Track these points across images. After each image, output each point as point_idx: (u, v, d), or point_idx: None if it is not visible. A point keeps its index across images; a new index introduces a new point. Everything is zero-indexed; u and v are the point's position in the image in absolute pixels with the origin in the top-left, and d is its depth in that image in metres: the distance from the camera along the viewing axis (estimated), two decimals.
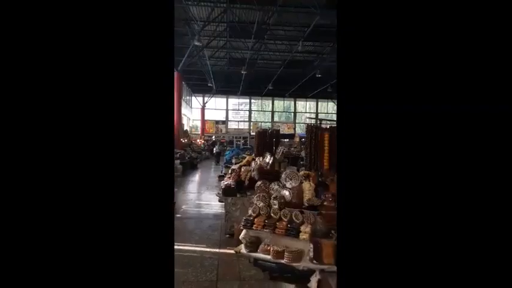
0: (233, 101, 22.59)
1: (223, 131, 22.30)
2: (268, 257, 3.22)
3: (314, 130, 4.32)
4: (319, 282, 2.79)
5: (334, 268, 2.89)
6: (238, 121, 22.47)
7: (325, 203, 3.56)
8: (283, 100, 22.42)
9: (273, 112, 22.74)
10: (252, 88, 19.26)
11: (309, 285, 2.89)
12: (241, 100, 22.28)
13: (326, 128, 4.53)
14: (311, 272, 2.96)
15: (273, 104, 22.61)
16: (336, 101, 21.21)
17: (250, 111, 22.60)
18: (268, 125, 20.81)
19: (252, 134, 17.12)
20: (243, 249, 3.43)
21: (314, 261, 3.00)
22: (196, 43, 10.61)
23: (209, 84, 17.67)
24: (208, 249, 4.21)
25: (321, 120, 5.19)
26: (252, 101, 22.44)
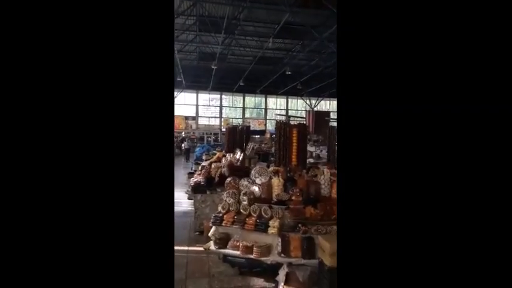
0: (203, 97, 22.20)
1: (194, 127, 21.89)
2: (238, 252, 3.25)
3: (283, 127, 4.40)
4: (287, 274, 2.87)
5: (302, 261, 2.99)
6: (209, 117, 22.16)
7: (293, 198, 3.66)
8: (254, 96, 22.49)
9: (244, 108, 22.73)
10: (222, 84, 19.07)
11: (277, 278, 2.96)
12: (212, 96, 21.98)
13: (295, 124, 4.63)
14: (279, 265, 3.03)
15: (244, 100, 22.59)
16: (305, 98, 21.76)
17: (221, 107, 22.39)
18: (240, 121, 20.79)
19: (223, 130, 17.00)
20: (212, 246, 3.42)
21: (282, 255, 3.08)
22: None
23: (178, 79, 17.21)
24: (177, 247, 4.14)
25: (289, 116, 5.29)
26: (223, 96, 22.24)
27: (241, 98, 22.60)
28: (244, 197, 3.67)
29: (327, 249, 2.64)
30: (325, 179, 3.90)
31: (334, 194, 3.78)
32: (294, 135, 4.27)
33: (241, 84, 17.53)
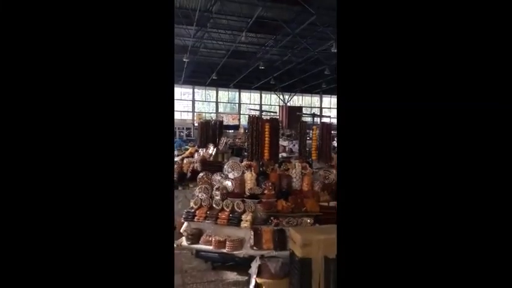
0: (175, 90, 21.65)
1: None
2: (210, 247, 3.25)
3: (256, 121, 4.42)
4: (259, 267, 2.92)
5: (273, 253, 3.06)
6: (181, 111, 21.65)
7: (265, 192, 3.71)
8: (228, 91, 22.30)
9: (217, 103, 22.46)
10: (195, 77, 18.67)
11: (249, 271, 3.01)
12: (184, 89, 21.46)
13: (267, 119, 4.66)
14: (252, 258, 3.07)
15: (217, 94, 22.31)
16: (278, 93, 21.95)
17: (193, 101, 21.97)
18: (213, 115, 20.54)
19: (195, 125, 16.74)
20: (184, 242, 3.39)
21: (254, 248, 3.12)
22: None
23: None
24: None
25: (262, 111, 5.32)
26: (196, 90, 21.81)
27: (215, 92, 22.28)
28: (217, 192, 3.66)
29: (297, 241, 2.72)
30: (297, 173, 3.99)
31: (304, 187, 3.88)
32: (267, 129, 4.31)
33: (214, 78, 17.30)
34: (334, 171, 4.31)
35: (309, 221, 3.31)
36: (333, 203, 3.74)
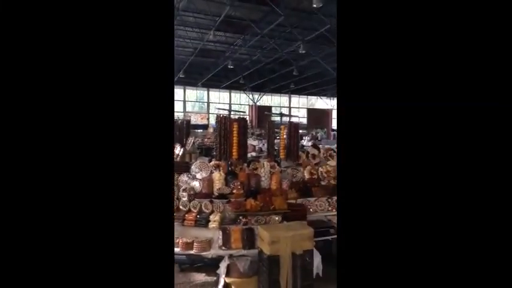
0: None
1: None
2: (177, 249, 3.17)
3: (224, 121, 4.39)
4: (228, 266, 2.91)
5: (242, 252, 3.06)
6: None
7: (234, 191, 3.70)
8: (196, 90, 21.90)
9: (185, 102, 21.97)
10: None
11: (218, 271, 2.98)
12: None
13: (235, 119, 4.65)
14: (220, 258, 3.05)
15: (184, 93, 21.82)
16: (247, 92, 21.99)
17: None
18: (180, 115, 20.07)
19: None
20: None
21: (223, 248, 3.10)
22: None
23: None
24: None
25: (231, 111, 5.30)
26: None
27: (182, 91, 21.77)
28: (184, 193, 3.58)
29: (266, 239, 2.74)
30: (265, 172, 4.03)
31: (273, 186, 3.94)
32: (235, 129, 4.30)
33: (182, 76, 16.88)
34: (302, 169, 4.41)
35: (277, 218, 3.36)
36: (300, 200, 3.83)
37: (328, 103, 25.39)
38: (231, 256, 2.99)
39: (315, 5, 7.93)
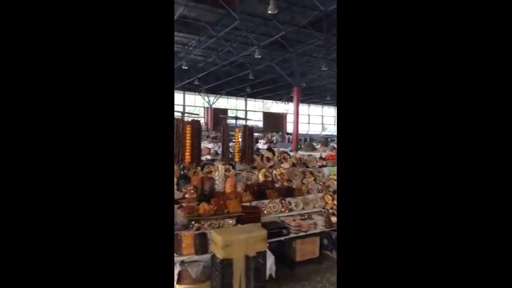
0: None
1: None
2: None
3: (176, 123, 4.25)
4: (179, 273, 2.81)
5: (194, 257, 2.98)
6: None
7: (186, 196, 3.60)
8: None
9: None
10: None
11: None
12: None
13: (188, 121, 4.54)
14: None
15: None
16: (203, 94, 21.66)
17: None
18: None
19: None
20: None
21: (174, 254, 2.99)
22: None
23: None
24: None
25: (184, 113, 5.16)
26: None
27: None
28: None
29: (219, 243, 2.71)
30: (220, 175, 3.99)
31: (227, 189, 3.91)
32: (188, 132, 4.18)
33: None
34: (256, 172, 4.47)
35: (231, 221, 3.35)
36: (254, 203, 3.87)
37: (283, 107, 26.18)
38: (182, 262, 2.90)
39: (270, 11, 8.15)
